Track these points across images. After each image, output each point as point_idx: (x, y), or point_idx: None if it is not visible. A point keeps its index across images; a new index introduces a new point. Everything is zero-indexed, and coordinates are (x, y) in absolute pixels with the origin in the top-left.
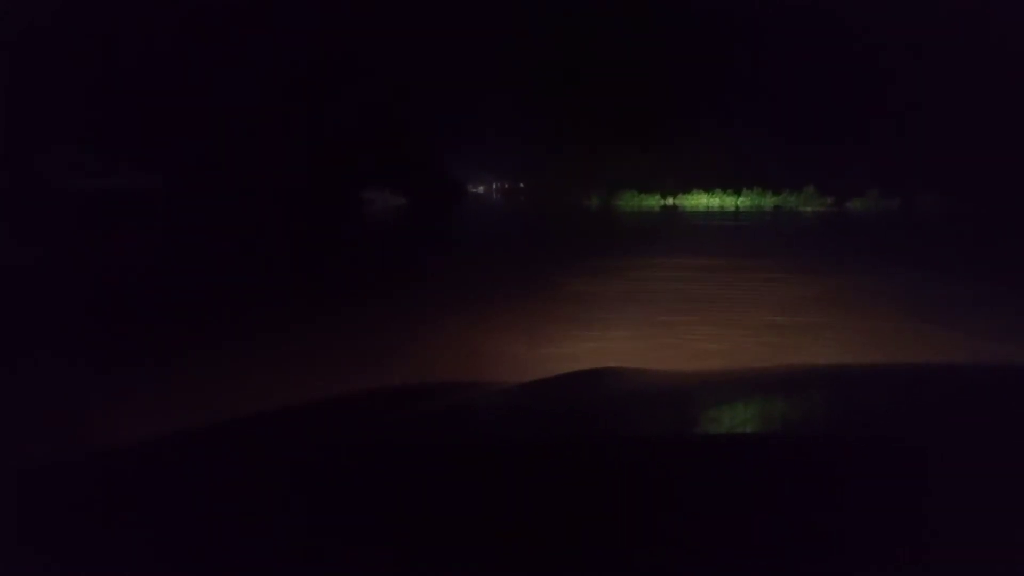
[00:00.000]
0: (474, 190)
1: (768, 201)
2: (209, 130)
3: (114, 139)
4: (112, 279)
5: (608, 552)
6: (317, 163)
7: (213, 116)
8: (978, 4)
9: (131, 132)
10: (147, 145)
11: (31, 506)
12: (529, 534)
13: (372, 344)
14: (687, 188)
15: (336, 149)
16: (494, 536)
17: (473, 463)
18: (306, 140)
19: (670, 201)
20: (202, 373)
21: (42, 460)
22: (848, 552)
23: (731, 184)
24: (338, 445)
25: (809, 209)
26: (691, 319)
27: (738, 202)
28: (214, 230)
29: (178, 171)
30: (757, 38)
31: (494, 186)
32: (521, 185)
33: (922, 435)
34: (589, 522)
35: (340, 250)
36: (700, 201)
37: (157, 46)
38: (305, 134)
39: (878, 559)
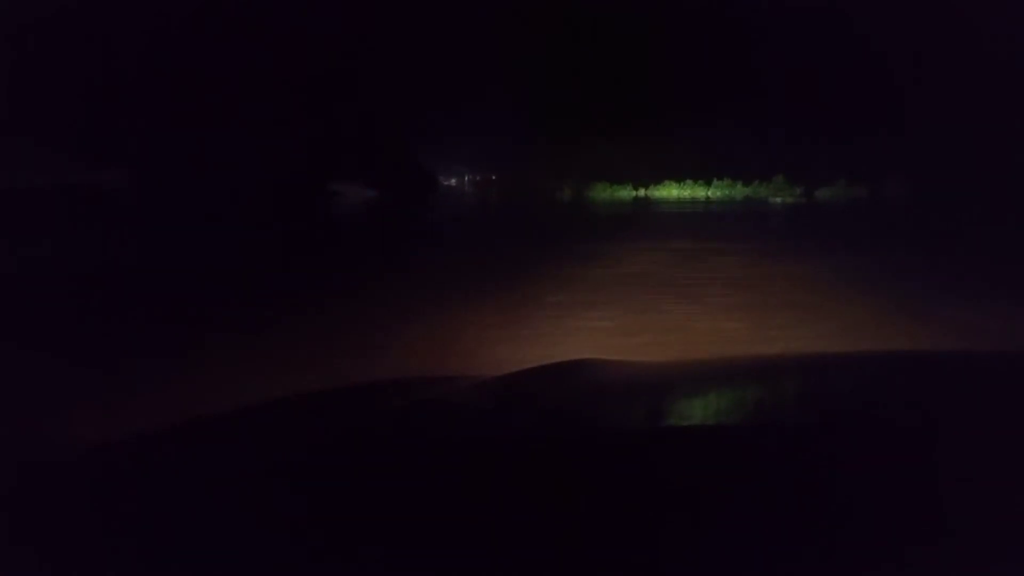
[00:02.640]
0: (446, 182)
1: (739, 191)
2: (173, 124)
3: (71, 133)
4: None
5: (589, 545)
6: (285, 156)
7: (177, 110)
8: None
9: (92, 126)
10: (109, 140)
11: (30, 505)
12: (508, 527)
13: (377, 337)
14: (658, 179)
15: (305, 142)
16: (471, 530)
17: (450, 458)
18: (274, 133)
19: (642, 192)
20: (172, 375)
21: (39, 460)
22: (838, 540)
23: (702, 175)
24: (317, 442)
25: (779, 199)
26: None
27: (709, 192)
28: (172, 227)
29: (141, 167)
30: (726, 32)
31: (466, 178)
32: (493, 177)
33: (906, 421)
34: (570, 515)
35: (314, 245)
36: (671, 192)
37: (120, 37)
38: (273, 127)
39: (867, 546)
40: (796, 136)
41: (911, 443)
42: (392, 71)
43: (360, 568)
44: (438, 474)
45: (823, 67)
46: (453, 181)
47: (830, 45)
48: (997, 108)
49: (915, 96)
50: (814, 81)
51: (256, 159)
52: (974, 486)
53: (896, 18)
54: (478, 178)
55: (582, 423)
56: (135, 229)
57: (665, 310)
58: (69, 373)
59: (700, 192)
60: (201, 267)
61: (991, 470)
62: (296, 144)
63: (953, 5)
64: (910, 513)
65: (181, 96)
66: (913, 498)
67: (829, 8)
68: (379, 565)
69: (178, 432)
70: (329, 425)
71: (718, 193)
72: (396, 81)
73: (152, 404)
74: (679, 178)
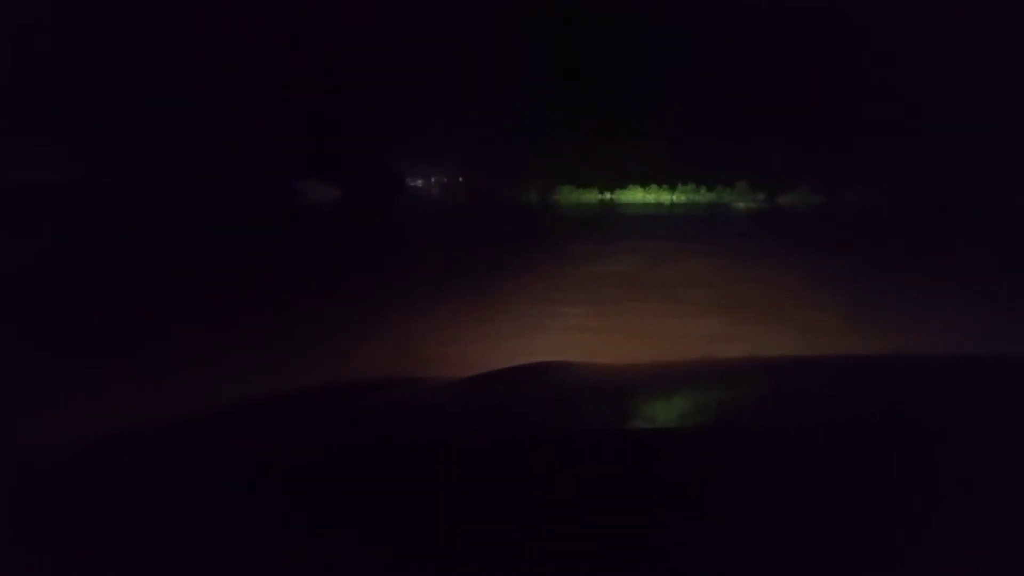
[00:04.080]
0: (413, 183)
1: (703, 196)
2: (128, 117)
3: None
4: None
5: (553, 550)
6: (244, 151)
7: (131, 102)
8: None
9: (40, 120)
10: (60, 135)
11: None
12: (473, 532)
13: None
14: (624, 183)
15: (265, 138)
16: (435, 534)
17: (413, 460)
18: (232, 126)
19: (607, 196)
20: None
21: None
22: (804, 539)
23: (666, 180)
24: (282, 444)
25: (742, 204)
26: None
27: (673, 197)
28: (121, 225)
29: (98, 163)
30: (690, 36)
31: (432, 180)
32: (460, 179)
33: (864, 425)
34: (534, 519)
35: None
36: (636, 196)
37: (77, 28)
38: (231, 120)
39: (827, 542)
40: (758, 143)
41: (880, 446)
42: (358, 71)
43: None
44: (400, 477)
45: (786, 76)
46: (419, 182)
47: (793, 55)
48: (957, 122)
49: (876, 107)
50: (776, 89)
51: (213, 153)
52: (955, 491)
53: (860, 30)
54: (445, 179)
55: (546, 425)
56: (84, 226)
57: (639, 309)
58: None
59: (665, 197)
60: (154, 265)
61: (970, 472)
62: (256, 140)
63: (916, 18)
64: (886, 519)
65: (131, 89)
66: (887, 502)
67: (795, 20)
68: (345, 569)
69: (145, 435)
70: (289, 428)
71: (682, 198)
72: (362, 81)
73: (114, 411)
74: (644, 183)
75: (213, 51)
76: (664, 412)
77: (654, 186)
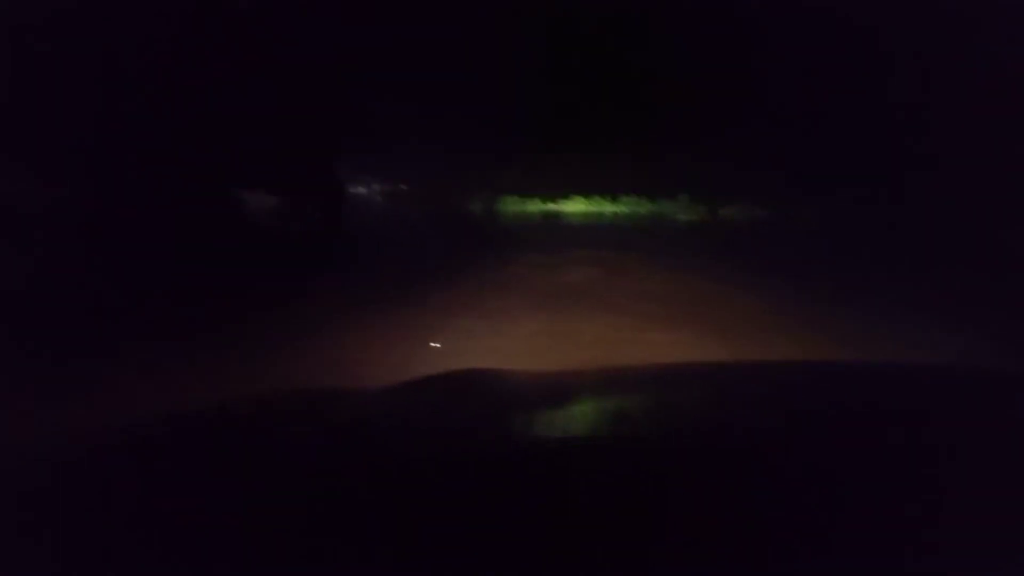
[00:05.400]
0: (355, 191)
1: (644, 208)
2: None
3: None
4: None
5: (477, 564)
6: (173, 156)
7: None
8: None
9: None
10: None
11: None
12: (392, 548)
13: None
14: (566, 194)
15: (198, 142)
16: (349, 550)
17: (326, 473)
18: (161, 128)
19: (550, 206)
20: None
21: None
22: (718, 552)
23: (608, 191)
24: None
25: (683, 217)
26: None
27: (615, 209)
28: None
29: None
30: (633, 46)
31: (376, 187)
32: (403, 187)
33: (784, 436)
34: (454, 533)
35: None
36: (579, 207)
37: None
38: (160, 120)
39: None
40: (701, 154)
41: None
42: (300, 73)
43: None
44: (312, 492)
45: (728, 88)
46: (361, 190)
47: (736, 68)
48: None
49: (825, 119)
50: (719, 101)
51: (138, 155)
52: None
53: (811, 41)
54: (387, 188)
55: (462, 437)
56: None
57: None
58: None
59: (607, 208)
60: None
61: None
62: (188, 144)
63: (861, 39)
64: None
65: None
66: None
67: (742, 26)
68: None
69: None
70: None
71: (625, 209)
72: (303, 83)
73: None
74: (587, 193)
75: (149, 43)
76: (589, 420)
77: (596, 197)
